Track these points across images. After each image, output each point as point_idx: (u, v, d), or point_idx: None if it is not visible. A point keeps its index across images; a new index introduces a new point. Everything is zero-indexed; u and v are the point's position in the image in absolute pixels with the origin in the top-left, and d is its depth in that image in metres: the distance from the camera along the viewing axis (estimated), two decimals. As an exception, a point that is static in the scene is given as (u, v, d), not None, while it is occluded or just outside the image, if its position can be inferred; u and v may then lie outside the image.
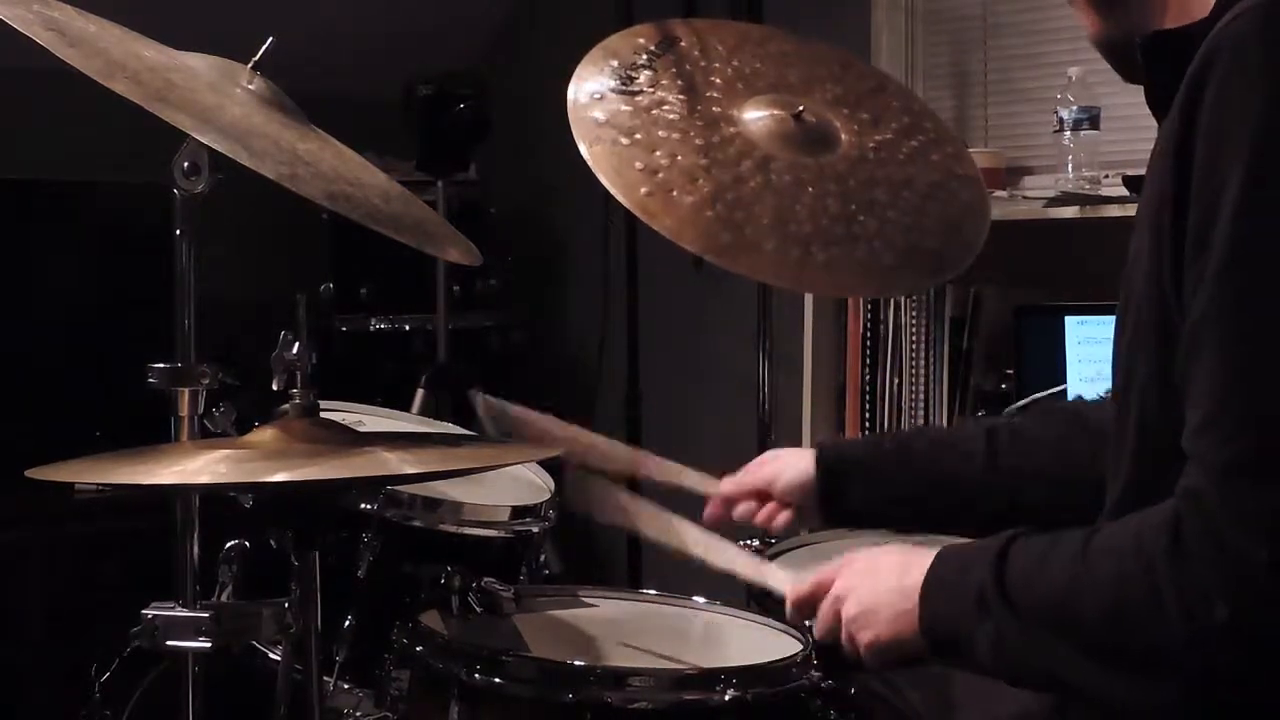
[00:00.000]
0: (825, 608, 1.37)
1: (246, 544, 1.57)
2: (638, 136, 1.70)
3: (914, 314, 2.91)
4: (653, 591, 1.98)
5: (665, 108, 1.75)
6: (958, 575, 1.26)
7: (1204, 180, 1.11)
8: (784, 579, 1.53)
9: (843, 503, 1.71)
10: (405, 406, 2.98)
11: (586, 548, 3.89)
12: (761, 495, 1.77)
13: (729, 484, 1.79)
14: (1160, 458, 1.16)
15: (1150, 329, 1.19)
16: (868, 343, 2.97)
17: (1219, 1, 1.21)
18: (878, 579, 1.33)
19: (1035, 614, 1.18)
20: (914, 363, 2.91)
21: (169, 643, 1.45)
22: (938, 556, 1.29)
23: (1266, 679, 1.08)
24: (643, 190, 1.64)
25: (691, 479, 1.83)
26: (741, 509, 1.78)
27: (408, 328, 3.66)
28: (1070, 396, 2.69)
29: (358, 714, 1.80)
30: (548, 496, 2.02)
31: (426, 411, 3.21)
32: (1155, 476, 1.16)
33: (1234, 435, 1.07)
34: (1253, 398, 1.07)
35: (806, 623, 1.49)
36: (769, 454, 1.80)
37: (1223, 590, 1.05)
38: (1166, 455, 1.14)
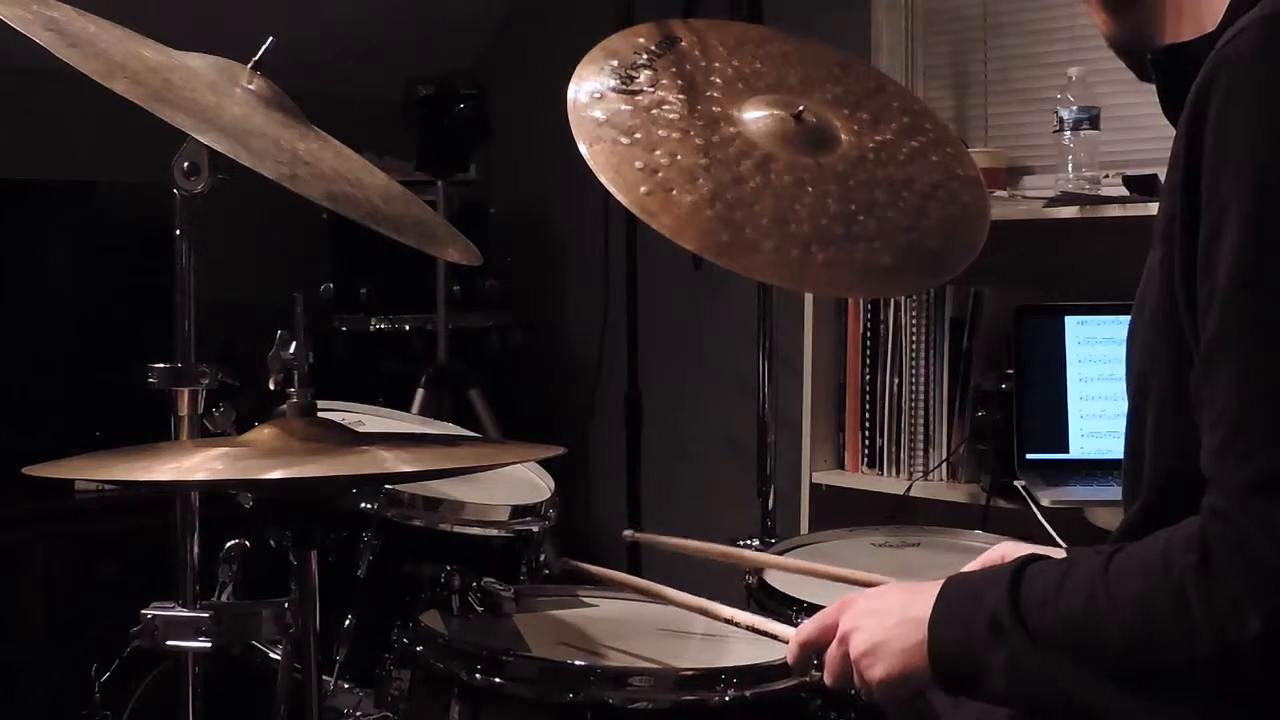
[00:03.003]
0: (833, 650, 1.34)
1: (246, 544, 1.57)
2: (637, 136, 1.70)
3: (914, 314, 2.90)
4: (653, 591, 1.98)
5: (665, 107, 1.75)
6: (969, 602, 1.23)
7: (1210, 200, 1.11)
8: (783, 627, 1.52)
9: None
10: (405, 406, 2.98)
11: (586, 548, 3.90)
12: None
13: None
14: (1176, 476, 1.15)
15: (1163, 346, 1.19)
16: (868, 343, 2.97)
17: (1228, 13, 1.22)
18: (884, 615, 1.30)
19: (1053, 636, 1.16)
20: (914, 363, 2.91)
21: (169, 643, 1.45)
22: (945, 584, 1.27)
23: None
24: (642, 189, 1.64)
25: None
26: None
27: (408, 328, 3.65)
28: (1070, 396, 2.69)
29: (358, 714, 1.80)
30: (548, 496, 2.02)
31: (426, 411, 3.22)
32: (1172, 496, 1.15)
33: (1253, 455, 1.07)
34: (1268, 417, 1.07)
35: (813, 672, 1.44)
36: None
37: (1254, 604, 1.04)
38: (1183, 474, 1.13)
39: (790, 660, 1.42)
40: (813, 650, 1.39)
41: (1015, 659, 1.18)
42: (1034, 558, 1.24)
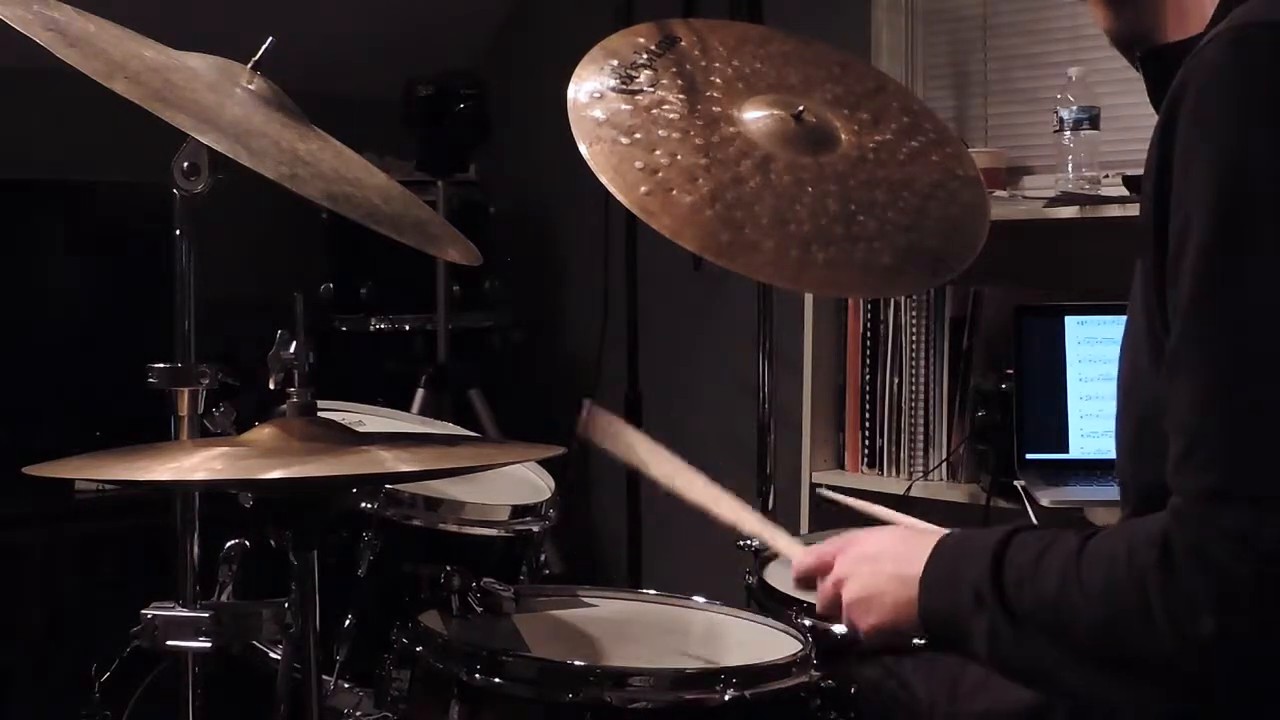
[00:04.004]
0: (827, 587, 1.41)
1: (246, 544, 1.57)
2: (637, 136, 1.70)
3: (914, 314, 2.91)
4: (653, 591, 1.98)
5: (665, 107, 1.75)
6: (956, 569, 1.28)
7: (1177, 210, 1.13)
8: (789, 545, 1.58)
9: None
10: (405, 406, 2.98)
11: (586, 548, 3.90)
12: None
13: None
14: (1164, 479, 1.16)
15: (1146, 351, 1.21)
16: (868, 343, 2.97)
17: (1213, 17, 1.23)
18: (879, 565, 1.36)
19: (1027, 614, 1.20)
20: (914, 363, 2.91)
21: (169, 643, 1.45)
22: (936, 548, 1.32)
23: (1253, 690, 1.10)
24: (642, 189, 1.64)
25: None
26: None
27: (408, 328, 3.65)
28: (1070, 396, 2.69)
29: (358, 714, 1.80)
30: (548, 496, 2.02)
31: (426, 411, 3.22)
32: (1163, 498, 1.16)
33: (1211, 464, 1.09)
34: (1225, 427, 1.09)
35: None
36: None
37: (1209, 604, 1.07)
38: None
39: (794, 582, 1.51)
40: (810, 581, 1.46)
41: (995, 630, 1.22)
42: (1022, 527, 1.27)
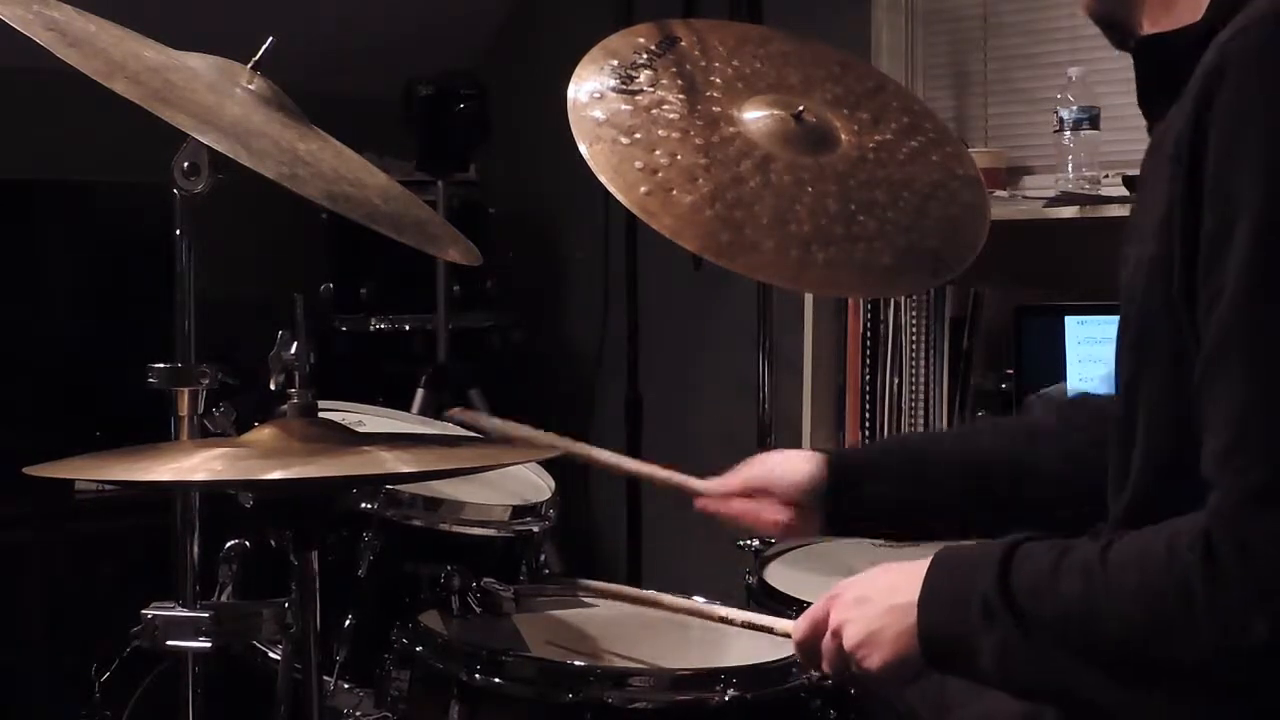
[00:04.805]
0: (828, 643, 1.35)
1: (246, 544, 1.57)
2: (637, 136, 1.70)
3: (914, 314, 2.91)
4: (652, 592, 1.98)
5: (665, 107, 1.75)
6: (958, 583, 1.24)
7: (1215, 198, 1.10)
8: (780, 621, 1.54)
9: (850, 503, 1.67)
10: (405, 406, 2.98)
11: (586, 548, 3.89)
12: (756, 493, 1.72)
13: (717, 484, 1.75)
14: (1171, 474, 1.15)
15: (1160, 346, 1.19)
16: (868, 343, 2.97)
17: (1213, 6, 1.21)
18: (872, 604, 1.30)
19: (1046, 624, 1.16)
20: (914, 363, 2.91)
21: (169, 643, 1.45)
22: (933, 563, 1.27)
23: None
24: (642, 189, 1.64)
25: (677, 479, 1.80)
26: (736, 506, 1.73)
27: (408, 328, 3.65)
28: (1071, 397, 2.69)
29: (358, 714, 1.80)
30: (548, 496, 2.02)
31: (426, 411, 3.21)
32: (1165, 492, 1.15)
33: (1255, 464, 1.07)
34: (1271, 427, 1.07)
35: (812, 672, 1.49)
36: (764, 455, 1.77)
37: (1262, 608, 1.04)
38: (1178, 472, 1.13)
39: (802, 661, 1.44)
40: (811, 647, 1.39)
41: (1006, 644, 1.18)
42: (1025, 537, 1.23)
